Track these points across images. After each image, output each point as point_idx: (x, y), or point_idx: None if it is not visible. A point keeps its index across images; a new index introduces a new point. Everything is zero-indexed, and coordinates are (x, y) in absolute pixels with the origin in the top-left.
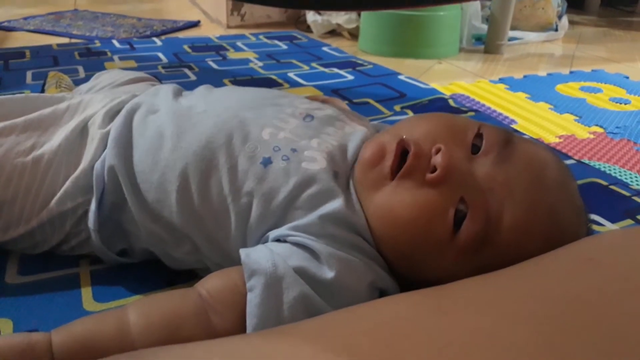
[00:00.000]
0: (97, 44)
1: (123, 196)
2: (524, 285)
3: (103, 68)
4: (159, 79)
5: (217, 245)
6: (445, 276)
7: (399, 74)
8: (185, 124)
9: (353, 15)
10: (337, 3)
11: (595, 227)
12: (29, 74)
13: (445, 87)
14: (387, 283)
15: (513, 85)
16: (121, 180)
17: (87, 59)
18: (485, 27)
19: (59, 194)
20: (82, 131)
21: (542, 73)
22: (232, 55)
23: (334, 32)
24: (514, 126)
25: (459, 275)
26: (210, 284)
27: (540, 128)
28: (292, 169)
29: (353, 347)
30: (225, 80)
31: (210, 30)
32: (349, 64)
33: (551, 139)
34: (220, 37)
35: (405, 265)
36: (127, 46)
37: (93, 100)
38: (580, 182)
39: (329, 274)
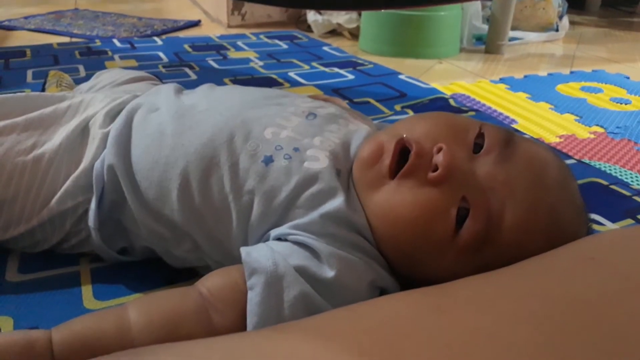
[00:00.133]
0: (98, 43)
1: (123, 195)
2: (524, 284)
3: (104, 67)
4: (160, 78)
5: (217, 243)
6: (446, 275)
7: (399, 73)
8: (186, 123)
9: (354, 15)
10: (338, 3)
11: (595, 226)
12: (29, 73)
13: (446, 86)
14: (387, 282)
15: (514, 85)
16: (120, 178)
17: (88, 58)
18: (485, 27)
19: (59, 193)
20: (83, 131)
21: (542, 73)
22: (232, 54)
23: (335, 32)
24: (514, 126)
25: (459, 274)
26: (211, 282)
27: (541, 128)
28: (294, 167)
29: (353, 345)
30: (226, 80)
31: (211, 30)
32: (349, 63)
33: (552, 139)
34: (221, 37)
35: (405, 264)
36: (128, 45)
37: (94, 99)
38: (580, 181)
39: (329, 273)
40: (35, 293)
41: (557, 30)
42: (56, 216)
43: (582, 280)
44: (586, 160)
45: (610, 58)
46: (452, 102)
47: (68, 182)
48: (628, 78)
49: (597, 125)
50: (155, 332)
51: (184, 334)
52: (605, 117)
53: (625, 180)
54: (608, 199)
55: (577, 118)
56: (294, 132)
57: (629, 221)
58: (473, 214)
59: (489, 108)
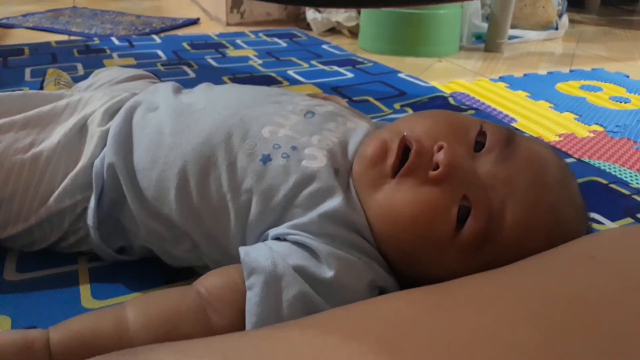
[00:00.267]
0: (96, 41)
1: (122, 193)
2: (524, 283)
3: (102, 65)
4: (158, 76)
5: (216, 243)
6: (447, 274)
7: (398, 72)
8: (184, 121)
9: (353, 13)
10: (338, 0)
11: (595, 225)
12: (27, 71)
13: (445, 85)
14: (386, 282)
15: (513, 83)
16: (120, 177)
17: (86, 56)
18: (485, 25)
19: (57, 191)
20: (82, 129)
21: (542, 71)
22: (231, 52)
23: (334, 30)
24: (514, 125)
25: (460, 273)
26: (209, 282)
27: (540, 126)
28: (292, 166)
29: (353, 344)
30: (225, 78)
31: (210, 28)
32: (348, 61)
33: (551, 138)
34: (220, 35)
35: (406, 264)
36: (126, 43)
37: (92, 97)
38: (580, 180)
39: (328, 273)
40: (33, 292)
41: (556, 28)
42: (54, 214)
43: (582, 280)
44: (586, 159)
45: (610, 57)
46: (451, 100)
47: (66, 181)
48: (627, 77)
49: (597, 124)
50: (153, 332)
51: (183, 333)
52: (604, 116)
53: (625, 179)
54: (607, 197)
55: (577, 117)
56: (292, 130)
57: (629, 220)
58: (474, 212)
59: (489, 107)
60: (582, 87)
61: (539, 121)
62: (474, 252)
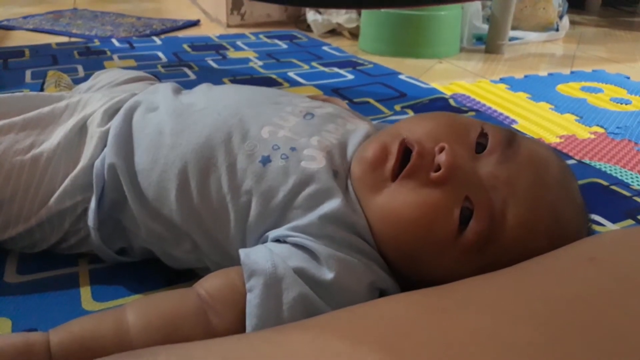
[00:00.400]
0: (97, 43)
1: (123, 194)
2: (524, 284)
3: (102, 67)
4: (159, 78)
5: (216, 244)
6: (448, 275)
7: (399, 73)
8: (184, 122)
9: (353, 14)
10: (339, 1)
11: (595, 227)
12: (28, 73)
13: (446, 86)
14: (387, 283)
15: (514, 85)
16: (121, 178)
17: (87, 58)
18: (486, 26)
19: (57, 192)
20: (81, 129)
21: (542, 73)
22: (232, 54)
23: (334, 32)
24: (514, 126)
25: (461, 275)
26: (209, 284)
27: (541, 128)
28: (291, 167)
29: (353, 346)
30: (225, 80)
31: (210, 30)
32: (349, 63)
33: (552, 139)
34: (220, 37)
35: (406, 265)
36: (127, 45)
37: (92, 99)
38: (581, 182)
39: (328, 274)
40: (34, 294)
41: (557, 30)
42: (55, 215)
43: (582, 281)
44: (586, 160)
45: (611, 58)
46: (452, 102)
47: (66, 182)
48: (628, 78)
49: (598, 125)
50: (153, 334)
51: (183, 335)
52: (605, 118)
53: (626, 180)
54: (608, 199)
55: (578, 118)
56: (291, 131)
57: (629, 222)
58: (477, 214)
59: (489, 108)
60: (583, 89)
61: (540, 122)
62: (476, 253)
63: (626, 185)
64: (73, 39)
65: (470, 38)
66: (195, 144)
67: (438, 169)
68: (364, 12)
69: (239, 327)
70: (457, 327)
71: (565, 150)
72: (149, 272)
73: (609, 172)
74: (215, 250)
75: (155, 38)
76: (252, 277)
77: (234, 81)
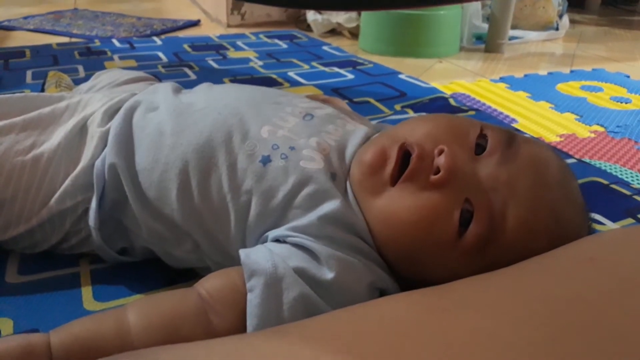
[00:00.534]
0: (97, 43)
1: (124, 194)
2: (524, 284)
3: (103, 67)
4: (159, 78)
5: (217, 244)
6: (448, 276)
7: (399, 73)
8: (185, 122)
9: (353, 14)
10: (338, 3)
11: (596, 226)
12: (29, 74)
13: (446, 86)
14: (387, 283)
15: (514, 84)
16: (122, 178)
17: (87, 59)
18: (485, 26)
19: (58, 193)
20: (82, 130)
21: (542, 72)
22: (232, 54)
23: (334, 31)
24: (514, 125)
25: (461, 275)
26: (210, 284)
27: (541, 127)
28: (291, 167)
29: (354, 346)
30: (225, 80)
31: (211, 30)
32: (349, 63)
33: (552, 138)
34: (221, 37)
35: (406, 266)
36: (127, 45)
37: (92, 99)
38: (581, 181)
39: (328, 274)
40: (35, 294)
41: (557, 29)
42: (55, 216)
43: (583, 281)
44: (586, 159)
45: (611, 57)
46: (452, 101)
47: (67, 182)
48: (628, 77)
49: (598, 124)
50: (154, 334)
51: (183, 336)
52: (605, 116)
53: (626, 179)
54: (608, 198)
55: (578, 117)
56: (290, 132)
57: (630, 220)
58: (477, 216)
59: (489, 107)
60: (583, 88)
61: (540, 122)
62: (477, 254)
63: (626, 184)
64: (74, 39)
65: (470, 37)
66: (196, 144)
67: (437, 171)
68: (363, 12)
69: (240, 327)
70: (457, 327)
71: (565, 149)
72: (150, 271)
73: (609, 170)
74: (216, 250)
75: (155, 38)
76: (253, 277)
77: (235, 81)
